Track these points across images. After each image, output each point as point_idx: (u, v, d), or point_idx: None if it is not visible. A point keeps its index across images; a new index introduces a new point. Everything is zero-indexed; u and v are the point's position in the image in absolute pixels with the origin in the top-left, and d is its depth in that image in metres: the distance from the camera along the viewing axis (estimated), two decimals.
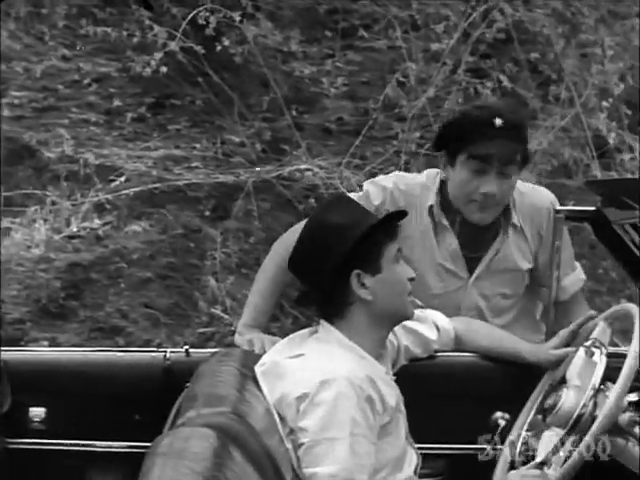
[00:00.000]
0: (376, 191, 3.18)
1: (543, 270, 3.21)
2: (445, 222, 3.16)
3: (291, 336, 2.62)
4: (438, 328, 2.89)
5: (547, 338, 3.08)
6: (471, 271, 3.19)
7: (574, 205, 3.23)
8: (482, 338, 2.96)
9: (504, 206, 3.11)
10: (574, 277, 3.26)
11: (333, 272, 2.46)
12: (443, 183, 3.15)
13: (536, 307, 3.35)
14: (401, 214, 2.62)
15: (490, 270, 3.19)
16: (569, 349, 2.78)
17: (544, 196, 3.24)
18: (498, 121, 2.97)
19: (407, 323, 2.77)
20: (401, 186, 3.19)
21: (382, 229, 2.51)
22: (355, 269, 2.48)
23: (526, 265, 3.22)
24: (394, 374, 2.70)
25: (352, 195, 3.18)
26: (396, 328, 2.71)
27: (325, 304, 2.56)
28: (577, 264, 3.29)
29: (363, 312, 2.52)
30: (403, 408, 2.61)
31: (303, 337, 2.58)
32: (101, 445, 2.92)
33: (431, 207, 3.16)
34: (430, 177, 3.21)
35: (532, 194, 3.23)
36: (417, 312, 2.82)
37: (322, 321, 2.56)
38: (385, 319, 2.56)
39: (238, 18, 6.44)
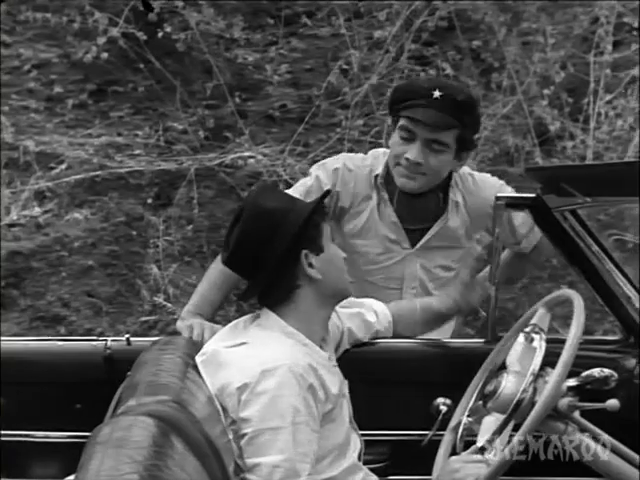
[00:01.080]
0: (325, 174, 3.21)
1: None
2: (385, 195, 3.21)
3: (233, 323, 2.61)
4: (377, 313, 2.92)
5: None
6: (414, 243, 3.25)
7: (515, 192, 3.23)
8: (408, 314, 3.01)
9: (436, 181, 3.16)
10: (532, 236, 3.30)
11: (282, 255, 2.47)
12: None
13: None
14: (328, 193, 2.68)
15: (432, 244, 3.24)
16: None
17: (494, 188, 3.26)
18: (437, 93, 3.03)
19: (349, 308, 2.81)
20: (350, 166, 3.23)
21: (317, 209, 2.55)
22: (303, 249, 2.50)
23: (471, 243, 3.29)
24: (337, 359, 2.71)
25: (302, 181, 3.21)
26: (339, 311, 2.74)
27: (267, 292, 2.55)
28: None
29: (310, 293, 2.52)
30: (347, 392, 2.62)
31: (246, 324, 2.57)
32: (41, 435, 2.90)
33: (376, 177, 3.21)
34: (376, 155, 3.27)
35: (484, 182, 3.30)
36: (357, 299, 2.85)
37: (264, 309, 2.56)
38: (331, 297, 2.58)
39: (181, 4, 6.41)
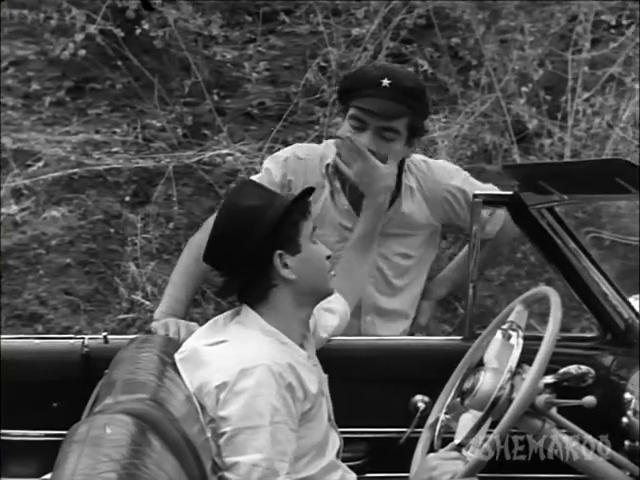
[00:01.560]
0: (275, 166, 3.22)
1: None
2: (337, 183, 3.20)
3: (213, 320, 2.60)
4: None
5: None
6: None
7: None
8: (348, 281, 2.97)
9: None
10: (495, 219, 3.31)
11: (255, 255, 2.45)
12: None
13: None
14: (311, 190, 2.62)
15: (387, 231, 3.20)
16: None
17: (449, 172, 3.30)
18: (385, 81, 3.02)
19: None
20: (300, 154, 3.24)
21: (296, 207, 2.51)
22: (277, 249, 2.47)
23: (428, 228, 3.28)
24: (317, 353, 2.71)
25: (255, 176, 3.20)
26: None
27: (247, 290, 2.55)
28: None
29: (287, 293, 2.51)
30: (326, 390, 2.62)
31: (226, 321, 2.56)
32: (17, 434, 2.88)
33: (327, 166, 3.20)
34: (328, 145, 3.26)
35: (439, 167, 3.31)
36: None
37: (244, 306, 2.55)
38: (309, 297, 2.56)
39: (159, 1, 6.39)
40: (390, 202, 3.18)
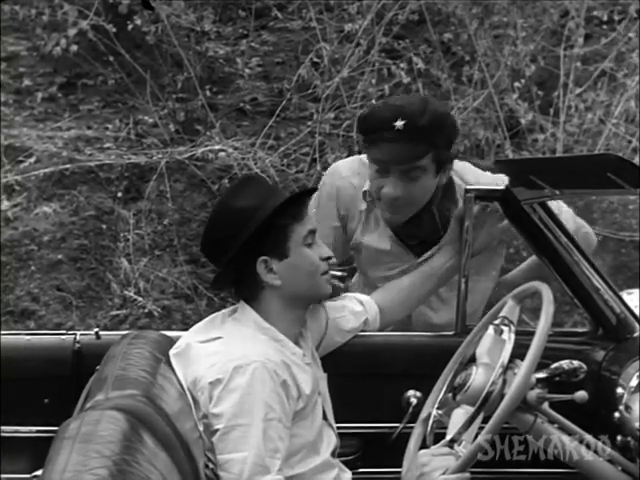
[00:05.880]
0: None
1: None
2: (378, 212, 3.09)
3: (211, 316, 2.61)
4: (362, 302, 2.89)
5: None
6: (416, 253, 3.12)
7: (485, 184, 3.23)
8: (396, 301, 2.97)
9: (421, 205, 3.02)
10: None
11: (240, 258, 2.46)
12: None
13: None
14: (306, 193, 2.60)
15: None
16: None
17: (483, 175, 3.16)
18: (399, 123, 2.84)
19: (333, 302, 2.79)
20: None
21: (287, 211, 2.47)
22: (261, 255, 2.46)
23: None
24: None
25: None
26: (327, 304, 2.73)
27: (238, 287, 2.56)
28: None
29: (275, 295, 2.51)
30: (324, 389, 2.62)
31: (223, 318, 2.57)
32: (9, 430, 2.88)
33: (365, 193, 3.09)
34: (358, 171, 3.14)
35: (465, 170, 3.16)
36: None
37: (241, 301, 2.56)
38: (297, 301, 2.55)
39: None
40: (433, 231, 3.08)
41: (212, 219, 2.55)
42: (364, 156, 3.09)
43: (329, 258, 2.57)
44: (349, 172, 3.16)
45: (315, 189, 2.61)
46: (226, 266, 2.49)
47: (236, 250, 2.44)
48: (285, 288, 2.49)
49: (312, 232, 2.53)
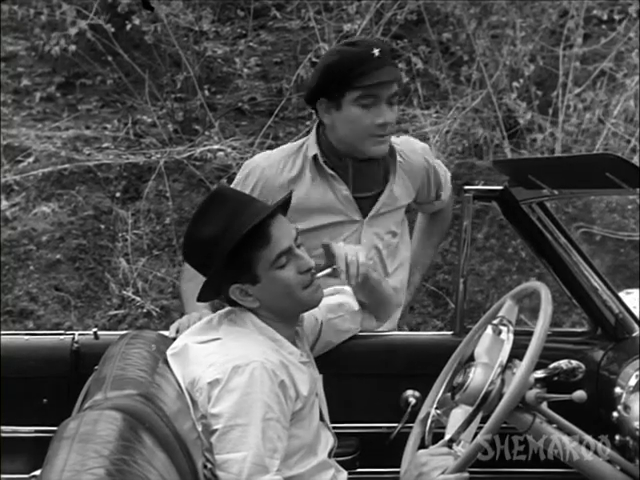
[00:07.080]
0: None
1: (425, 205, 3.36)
2: (330, 170, 3.13)
3: (208, 318, 2.60)
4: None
5: None
6: (363, 212, 3.16)
7: (484, 185, 3.24)
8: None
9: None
10: (447, 190, 3.34)
11: (215, 284, 2.47)
12: (320, 134, 3.14)
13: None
14: (269, 216, 2.47)
15: (381, 209, 3.17)
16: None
17: (422, 149, 3.30)
18: (376, 51, 3.00)
19: (330, 297, 2.77)
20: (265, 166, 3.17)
21: (248, 242, 2.41)
22: (233, 284, 2.46)
23: (407, 201, 3.26)
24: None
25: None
26: (322, 303, 2.66)
27: (226, 300, 2.56)
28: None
29: (261, 308, 2.51)
30: (320, 390, 2.62)
31: (220, 319, 2.56)
32: (7, 430, 2.88)
33: (315, 156, 3.13)
34: (294, 145, 3.23)
35: (412, 142, 3.31)
36: (331, 289, 2.82)
37: None
38: (280, 315, 2.53)
39: None
40: (384, 182, 3.16)
41: (184, 245, 2.56)
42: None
43: (309, 270, 2.49)
44: (266, 163, 3.20)
45: (278, 208, 2.55)
46: (204, 287, 2.49)
47: (210, 277, 2.46)
48: (265, 307, 2.49)
49: (283, 253, 2.45)
